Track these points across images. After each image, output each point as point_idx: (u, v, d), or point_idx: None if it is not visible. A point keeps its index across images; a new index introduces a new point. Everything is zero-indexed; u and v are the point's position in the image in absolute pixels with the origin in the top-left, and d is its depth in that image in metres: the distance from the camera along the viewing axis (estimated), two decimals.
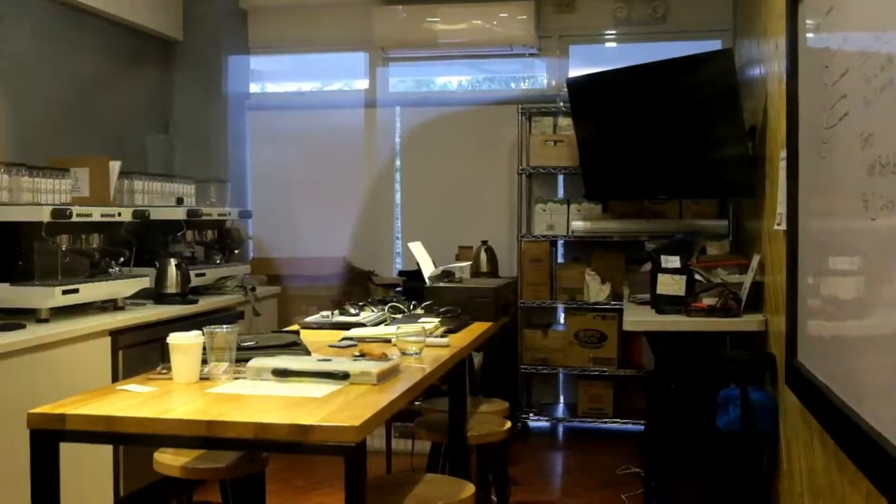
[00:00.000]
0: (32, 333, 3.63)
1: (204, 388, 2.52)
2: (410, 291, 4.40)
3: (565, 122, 5.93)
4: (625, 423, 5.88)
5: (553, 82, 6.30)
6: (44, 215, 3.92)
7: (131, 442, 2.27)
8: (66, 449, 2.28)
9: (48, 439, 2.24)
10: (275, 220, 6.51)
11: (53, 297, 3.91)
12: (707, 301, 4.22)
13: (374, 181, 6.53)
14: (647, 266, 4.97)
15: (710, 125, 4.68)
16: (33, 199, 4.21)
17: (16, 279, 3.94)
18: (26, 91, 4.75)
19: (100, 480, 3.97)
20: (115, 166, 4.81)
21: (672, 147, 4.99)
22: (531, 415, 6.10)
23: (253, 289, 5.40)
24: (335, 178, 6.52)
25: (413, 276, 4.66)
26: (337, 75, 6.93)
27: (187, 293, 4.81)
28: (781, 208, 3.46)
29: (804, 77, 2.79)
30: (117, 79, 5.63)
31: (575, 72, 6.09)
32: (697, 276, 4.45)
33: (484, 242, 5.69)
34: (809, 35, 2.72)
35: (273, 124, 6.61)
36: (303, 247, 6.37)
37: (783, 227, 3.38)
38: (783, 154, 3.35)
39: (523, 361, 5.98)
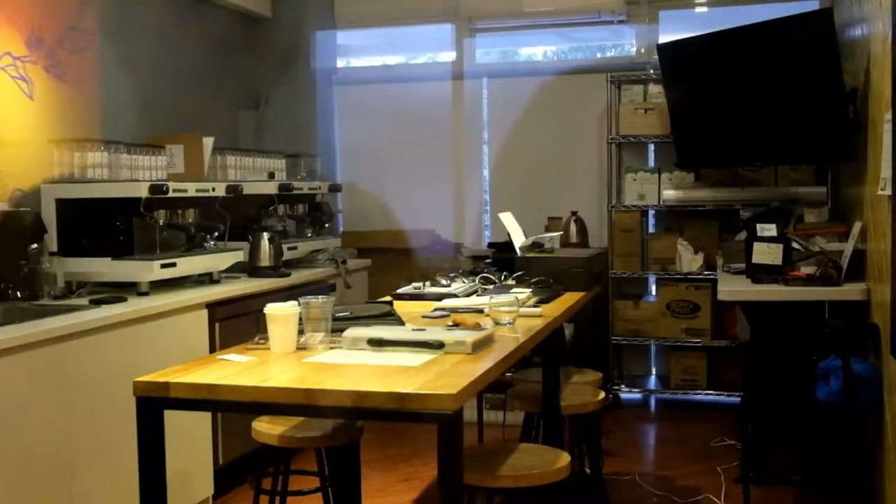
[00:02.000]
0: (134, 306, 3.72)
1: (301, 357, 2.55)
2: (500, 263, 4.39)
3: (656, 89, 5.83)
4: (719, 394, 5.79)
5: (642, 49, 6.18)
6: (142, 191, 4.01)
7: (232, 409, 2.31)
8: (167, 419, 2.33)
9: (153, 407, 2.30)
10: (364, 193, 6.55)
11: (152, 271, 4.00)
12: (805, 270, 4.12)
13: (462, 153, 6.52)
14: (742, 235, 4.87)
15: (807, 89, 4.55)
16: (131, 175, 4.31)
17: (116, 254, 4.04)
18: (121, 71, 4.85)
19: (200, 449, 4.07)
20: (208, 142, 4.88)
21: (768, 112, 4.86)
22: (623, 386, 6.05)
23: (344, 262, 5.45)
24: (423, 151, 6.53)
25: (502, 247, 4.64)
26: (422, 48, 6.91)
27: (280, 266, 4.88)
28: (886, 172, 3.34)
29: None
30: (209, 56, 5.71)
31: (665, 38, 5.97)
32: (795, 245, 4.35)
33: (573, 213, 5.64)
34: None
35: (361, 98, 6.64)
36: (392, 220, 6.41)
37: (888, 192, 3.27)
38: (888, 116, 3.23)
39: (614, 333, 5.93)
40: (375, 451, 4.85)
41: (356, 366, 2.43)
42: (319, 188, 5.63)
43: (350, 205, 6.58)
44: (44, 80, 4.25)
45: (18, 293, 3.77)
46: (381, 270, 6.00)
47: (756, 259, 4.24)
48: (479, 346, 2.60)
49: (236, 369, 2.42)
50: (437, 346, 2.55)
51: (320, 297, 2.72)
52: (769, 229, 4.28)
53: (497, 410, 5.23)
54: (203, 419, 4.05)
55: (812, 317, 4.27)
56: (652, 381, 6.19)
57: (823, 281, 3.99)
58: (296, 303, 2.66)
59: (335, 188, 5.96)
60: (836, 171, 5.30)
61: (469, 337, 2.58)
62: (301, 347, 2.65)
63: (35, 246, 3.84)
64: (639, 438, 5.53)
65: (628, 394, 6.09)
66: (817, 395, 3.78)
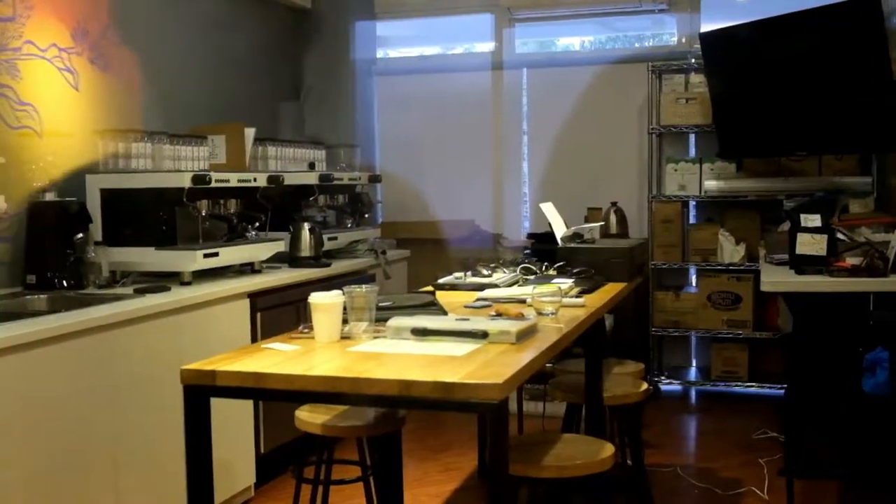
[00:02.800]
0: (177, 295, 3.74)
1: (345, 346, 2.56)
2: (539, 253, 4.37)
3: (697, 78, 5.78)
4: (760, 386, 5.74)
5: (683, 38, 6.13)
6: (185, 181, 4.03)
7: (278, 398, 2.32)
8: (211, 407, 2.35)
9: (200, 395, 2.32)
10: (403, 183, 6.56)
11: (196, 260, 4.02)
12: (851, 261, 4.06)
13: (502, 144, 6.51)
14: (786, 225, 4.81)
15: (853, 77, 4.49)
16: (174, 166, 4.33)
17: (160, 244, 4.07)
18: (164, 61, 4.88)
19: (242, 438, 4.10)
20: (249, 133, 4.90)
21: (812, 101, 4.80)
22: (663, 378, 6.01)
23: (383, 252, 5.46)
24: (462, 142, 6.52)
25: (542, 238, 4.63)
26: (461, 38, 6.90)
27: (320, 256, 4.90)
28: None
29: None
30: (250, 47, 5.74)
31: (707, 26, 5.92)
32: (840, 236, 4.29)
33: (613, 204, 5.60)
34: None
35: (400, 89, 6.65)
36: (431, 210, 6.41)
37: None
38: None
39: (654, 324, 5.90)
40: (413, 441, 4.86)
41: (401, 355, 2.44)
42: (359, 178, 5.64)
43: (389, 195, 6.59)
44: (88, 71, 4.29)
45: (64, 282, 3.81)
46: (420, 261, 6.00)
47: (800, 250, 4.18)
48: (524, 335, 2.59)
49: (281, 358, 2.43)
50: (482, 335, 2.54)
51: (364, 286, 2.72)
52: (813, 220, 4.22)
53: (536, 401, 5.23)
54: (245, 407, 4.08)
55: (857, 308, 4.22)
56: (692, 373, 6.15)
57: (869, 272, 3.93)
58: (340, 292, 2.67)
59: (375, 178, 5.97)
60: (882, 160, 5.23)
61: (513, 327, 2.57)
62: (345, 337, 2.66)
63: (80, 235, 3.88)
64: (680, 430, 5.50)
65: (668, 385, 6.05)
66: (863, 387, 3.73)
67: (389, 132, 6.70)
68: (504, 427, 2.14)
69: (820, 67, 4.74)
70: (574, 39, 6.81)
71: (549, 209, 4.32)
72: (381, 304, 2.85)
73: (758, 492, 4.21)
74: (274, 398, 2.35)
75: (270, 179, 4.62)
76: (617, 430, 3.85)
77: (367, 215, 5.83)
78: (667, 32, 6.33)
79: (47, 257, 3.82)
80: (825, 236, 4.13)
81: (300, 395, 2.30)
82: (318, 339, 2.63)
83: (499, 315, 2.91)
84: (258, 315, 4.22)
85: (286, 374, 2.25)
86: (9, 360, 2.86)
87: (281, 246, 4.67)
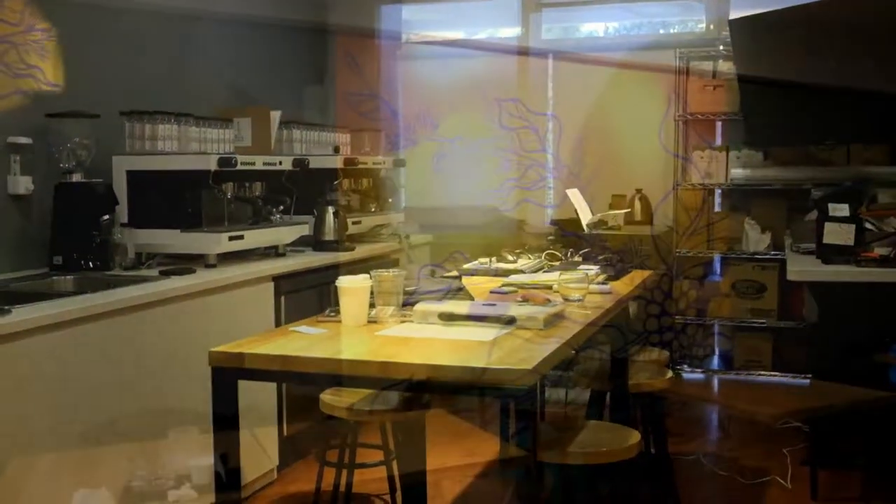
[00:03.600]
0: (202, 278, 3.75)
1: (372, 330, 2.56)
2: (564, 239, 4.35)
3: (725, 66, 5.72)
4: (783, 376, 5.70)
5: (711, 25, 6.07)
6: (211, 164, 4.03)
7: (306, 381, 2.32)
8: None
9: (228, 377, 2.32)
10: (427, 169, 6.53)
11: (221, 243, 4.03)
12: (879, 251, 4.03)
13: (525, 129, 6.47)
14: (812, 215, 4.77)
15: (884, 65, 4.43)
16: (200, 148, 4.34)
17: (185, 226, 4.07)
18: (189, 44, 4.88)
19: (265, 421, 4.10)
20: (275, 116, 4.90)
21: (843, 89, 4.74)
22: (685, 366, 5.99)
23: (407, 237, 5.46)
24: (486, 127, 6.48)
25: (566, 224, 4.61)
26: (486, 23, 6.86)
27: (344, 241, 4.90)
28: None
29: None
30: (275, 31, 5.73)
31: (735, 13, 5.86)
32: (868, 225, 4.25)
33: (638, 191, 5.58)
34: None
35: (425, 73, 6.61)
36: (454, 196, 6.38)
37: None
38: None
39: (678, 312, 5.87)
40: (436, 425, 4.84)
41: (428, 339, 2.44)
42: (383, 163, 5.63)
43: (413, 180, 6.57)
44: None
45: (90, 263, 3.83)
46: (442, 246, 5.98)
47: (827, 239, 4.16)
48: (551, 321, 2.59)
49: (309, 341, 2.43)
50: (509, 321, 2.54)
51: (392, 270, 2.72)
52: (841, 209, 4.20)
53: (557, 387, 5.21)
54: (269, 390, 4.08)
55: (885, 299, 4.18)
56: (715, 362, 6.11)
57: None
58: (368, 276, 2.67)
59: (399, 163, 5.95)
60: None
61: (541, 313, 2.57)
62: (372, 321, 2.66)
63: (107, 217, 3.89)
64: (702, 419, 5.47)
65: (691, 374, 6.02)
66: (891, 378, 3.71)
67: (414, 116, 6.67)
68: (532, 413, 2.14)
69: (850, 55, 4.68)
70: (598, 25, 6.76)
71: (575, 195, 4.30)
72: (408, 289, 2.85)
73: (781, 481, 4.19)
74: (301, 381, 2.35)
75: (295, 163, 4.62)
76: (640, 417, 3.83)
77: (390, 200, 5.82)
78: (693, 19, 6.27)
79: (74, 239, 3.84)
80: (853, 226, 4.10)
81: (328, 379, 2.30)
82: (345, 323, 2.63)
83: (525, 301, 2.91)
84: (282, 298, 4.22)
85: (315, 358, 2.25)
86: (35, 341, 2.87)
87: (305, 229, 4.68)
